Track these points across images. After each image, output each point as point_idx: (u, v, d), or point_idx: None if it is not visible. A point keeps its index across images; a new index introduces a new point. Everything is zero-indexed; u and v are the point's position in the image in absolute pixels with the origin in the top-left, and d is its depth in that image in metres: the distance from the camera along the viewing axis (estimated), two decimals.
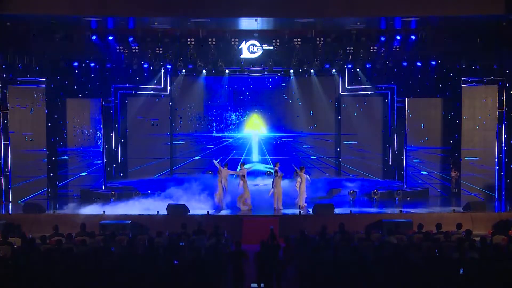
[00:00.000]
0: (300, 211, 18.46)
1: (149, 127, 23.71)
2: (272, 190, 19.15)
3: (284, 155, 23.87)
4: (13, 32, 20.47)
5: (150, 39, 21.28)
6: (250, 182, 20.08)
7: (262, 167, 23.77)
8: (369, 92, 23.76)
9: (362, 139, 23.94)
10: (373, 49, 21.63)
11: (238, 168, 20.04)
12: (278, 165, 19.44)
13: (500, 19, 19.56)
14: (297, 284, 12.58)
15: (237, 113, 24.37)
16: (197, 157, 24.15)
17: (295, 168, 19.57)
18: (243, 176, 19.10)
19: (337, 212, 18.12)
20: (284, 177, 19.51)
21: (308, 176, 19.60)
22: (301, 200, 19.22)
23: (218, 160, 20.25)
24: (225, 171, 19.49)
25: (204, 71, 22.78)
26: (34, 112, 21.96)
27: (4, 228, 15.71)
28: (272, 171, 19.78)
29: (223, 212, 18.72)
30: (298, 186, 19.33)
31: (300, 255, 13.03)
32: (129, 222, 16.99)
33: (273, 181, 19.22)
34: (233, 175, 20.36)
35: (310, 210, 18.51)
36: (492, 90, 22.40)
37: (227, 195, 19.55)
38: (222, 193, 19.34)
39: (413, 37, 21.12)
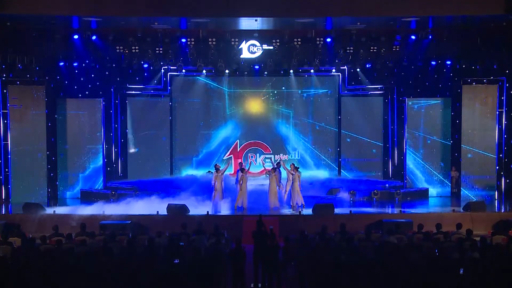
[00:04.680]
0: (300, 211, 18.46)
1: (149, 127, 23.69)
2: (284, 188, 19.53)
3: (284, 155, 23.92)
4: (13, 32, 20.48)
5: (150, 39, 21.27)
6: (249, 182, 20.23)
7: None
8: (369, 92, 23.76)
9: (362, 139, 23.92)
10: (373, 49, 21.62)
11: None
12: (275, 170, 19.69)
13: (500, 19, 19.56)
14: (297, 284, 12.58)
15: (237, 112, 24.32)
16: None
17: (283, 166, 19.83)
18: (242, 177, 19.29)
19: (337, 212, 18.12)
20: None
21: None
22: (293, 200, 19.24)
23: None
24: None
25: (204, 71, 22.78)
26: (34, 112, 21.96)
27: (4, 228, 15.71)
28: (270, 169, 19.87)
29: (223, 212, 18.72)
30: (289, 185, 19.45)
31: (300, 255, 13.02)
32: (129, 222, 16.98)
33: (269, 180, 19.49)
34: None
35: (311, 210, 18.53)
36: (492, 90, 22.43)
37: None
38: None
39: (413, 37, 21.12)
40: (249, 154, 24.08)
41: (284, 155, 24.03)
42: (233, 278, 12.22)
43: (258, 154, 24.14)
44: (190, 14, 18.94)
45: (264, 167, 20.17)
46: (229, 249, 13.33)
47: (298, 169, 19.54)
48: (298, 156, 24.16)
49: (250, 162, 20.00)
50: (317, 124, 24.28)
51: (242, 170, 19.61)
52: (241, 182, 19.22)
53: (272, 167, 19.84)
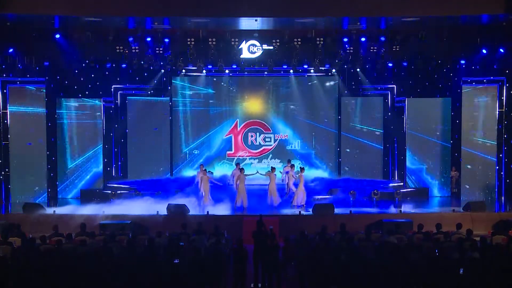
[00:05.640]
0: (300, 211, 18.47)
1: (149, 127, 23.69)
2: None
3: (285, 155, 23.97)
4: (13, 32, 20.48)
5: (150, 39, 21.29)
6: (249, 182, 20.55)
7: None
8: (369, 92, 23.76)
9: (362, 139, 23.92)
10: (373, 49, 21.63)
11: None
12: (274, 170, 20.15)
13: (500, 19, 19.56)
14: (297, 284, 12.58)
15: (237, 112, 24.33)
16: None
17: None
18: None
19: (337, 212, 18.13)
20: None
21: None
22: (294, 200, 19.42)
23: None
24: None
25: (204, 71, 22.79)
26: (34, 112, 21.97)
27: (4, 228, 15.70)
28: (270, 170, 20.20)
29: (224, 212, 18.73)
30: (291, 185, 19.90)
31: (300, 255, 13.03)
32: (129, 222, 16.96)
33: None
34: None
35: (310, 210, 18.54)
36: (492, 90, 22.43)
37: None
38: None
39: (413, 37, 21.12)
40: (249, 134, 24.18)
41: (284, 135, 24.08)
42: (234, 278, 12.23)
43: (258, 133, 24.26)
44: (190, 14, 18.96)
45: (262, 172, 20.45)
46: (231, 248, 13.34)
47: (304, 170, 19.79)
48: (298, 147, 24.19)
49: (250, 174, 20.31)
50: (317, 124, 24.26)
51: (240, 170, 19.75)
52: (237, 182, 19.33)
53: (271, 168, 20.34)
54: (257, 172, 20.83)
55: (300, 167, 20.00)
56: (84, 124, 22.60)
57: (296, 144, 24.24)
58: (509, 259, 11.34)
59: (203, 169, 20.20)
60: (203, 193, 19.56)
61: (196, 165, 23.64)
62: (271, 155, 23.84)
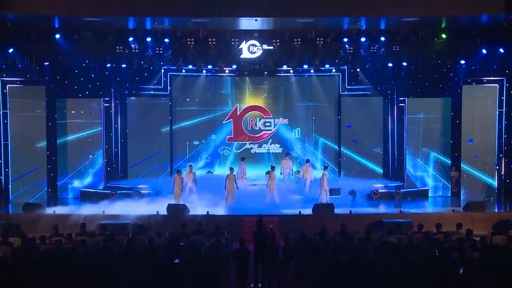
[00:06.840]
0: (300, 211, 18.47)
1: (149, 127, 23.69)
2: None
3: (283, 118, 24.30)
4: (13, 32, 20.47)
5: (150, 39, 21.29)
6: (249, 182, 21.04)
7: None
8: (369, 92, 23.76)
9: (362, 139, 23.93)
10: (373, 49, 21.62)
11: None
12: (274, 169, 20.39)
13: (500, 19, 19.56)
14: (297, 284, 12.58)
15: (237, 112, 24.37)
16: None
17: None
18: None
19: (337, 212, 18.14)
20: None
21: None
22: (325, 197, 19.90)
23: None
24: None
25: (204, 71, 22.79)
26: (34, 112, 21.96)
27: (4, 228, 15.69)
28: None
29: (224, 212, 18.74)
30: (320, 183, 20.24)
31: (300, 255, 13.03)
32: (129, 222, 16.96)
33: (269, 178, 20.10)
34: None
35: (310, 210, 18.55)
36: (492, 90, 22.42)
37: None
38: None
39: (413, 37, 21.13)
40: (249, 118, 24.22)
41: (284, 119, 24.18)
42: (236, 277, 12.22)
43: (258, 118, 24.33)
44: (190, 14, 18.94)
45: (267, 172, 20.60)
46: (233, 248, 13.33)
47: (327, 168, 20.58)
48: (298, 148, 24.28)
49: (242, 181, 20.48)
50: (317, 125, 24.28)
51: (230, 169, 19.86)
52: (227, 181, 19.45)
53: (271, 167, 20.49)
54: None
55: (324, 166, 20.76)
56: (84, 124, 22.60)
57: (295, 135, 24.26)
58: (509, 259, 11.34)
59: (192, 170, 20.19)
60: (176, 194, 19.48)
61: (199, 164, 23.70)
62: (270, 140, 23.92)
